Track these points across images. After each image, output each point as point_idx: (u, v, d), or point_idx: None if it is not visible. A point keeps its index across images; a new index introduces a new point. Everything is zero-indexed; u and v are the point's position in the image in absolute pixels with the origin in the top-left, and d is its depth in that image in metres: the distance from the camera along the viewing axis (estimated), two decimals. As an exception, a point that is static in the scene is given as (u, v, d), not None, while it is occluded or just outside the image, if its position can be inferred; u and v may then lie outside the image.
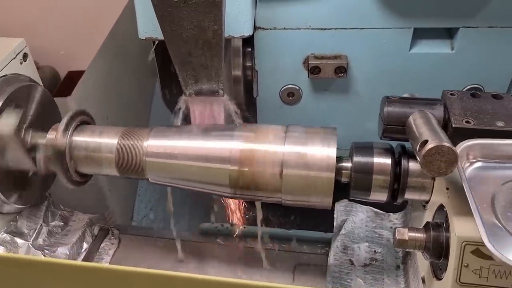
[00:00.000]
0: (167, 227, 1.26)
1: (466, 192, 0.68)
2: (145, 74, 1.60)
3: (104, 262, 1.03)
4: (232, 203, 1.13)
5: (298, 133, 0.83)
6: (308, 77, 1.09)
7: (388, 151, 0.81)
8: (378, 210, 1.04)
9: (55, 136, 0.88)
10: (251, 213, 1.16)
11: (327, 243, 1.03)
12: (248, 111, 1.16)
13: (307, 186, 0.80)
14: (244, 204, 1.14)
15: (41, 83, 1.02)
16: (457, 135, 0.75)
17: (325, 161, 0.79)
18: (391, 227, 1.01)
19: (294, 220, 1.21)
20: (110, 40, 1.35)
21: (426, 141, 0.69)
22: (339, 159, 0.82)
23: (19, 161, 0.93)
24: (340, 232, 1.00)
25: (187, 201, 1.37)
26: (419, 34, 1.06)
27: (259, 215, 0.94)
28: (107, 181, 1.30)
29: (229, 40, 1.00)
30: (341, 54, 1.08)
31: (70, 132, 0.89)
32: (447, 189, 0.76)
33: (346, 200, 1.05)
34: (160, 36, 0.85)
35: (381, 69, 1.09)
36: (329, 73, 1.08)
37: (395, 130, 0.81)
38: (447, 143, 0.68)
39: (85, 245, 1.04)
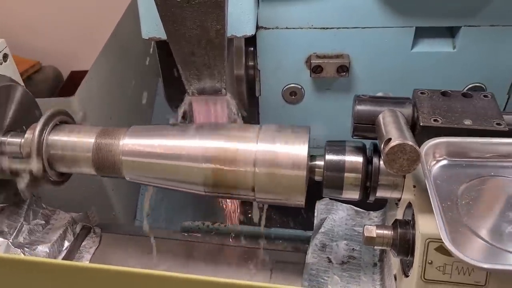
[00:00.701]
0: (159, 226, 1.26)
1: (428, 189, 0.69)
2: (148, 74, 1.60)
3: (85, 260, 1.04)
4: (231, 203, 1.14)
5: (271, 132, 0.84)
6: (310, 76, 1.10)
7: (360, 149, 0.82)
8: (358, 209, 1.04)
9: (32, 135, 0.89)
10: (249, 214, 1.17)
11: (307, 241, 1.03)
12: (251, 110, 1.17)
13: (279, 184, 0.81)
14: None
15: (22, 84, 1.02)
16: (425, 133, 0.76)
17: (296, 160, 0.80)
18: (365, 225, 1.02)
19: (275, 218, 1.22)
20: (113, 40, 1.36)
21: (389, 139, 0.70)
22: (312, 157, 0.83)
23: (0, 160, 0.94)
24: (320, 230, 1.01)
25: (190, 201, 1.37)
26: (421, 33, 1.07)
27: (236, 214, 0.96)
28: (111, 180, 1.31)
29: (232, 39, 1.01)
30: (343, 53, 1.08)
31: (47, 131, 0.90)
32: (414, 187, 0.77)
33: (327, 198, 1.06)
34: (163, 36, 0.86)
35: (383, 68, 1.10)
36: (331, 72, 1.08)
37: (365, 128, 0.82)
38: (409, 142, 0.69)
39: (66, 244, 1.05)
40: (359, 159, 0.81)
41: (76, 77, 1.91)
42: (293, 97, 1.16)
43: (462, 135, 0.75)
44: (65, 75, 2.05)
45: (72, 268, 0.69)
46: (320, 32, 1.07)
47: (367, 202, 0.86)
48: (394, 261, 0.87)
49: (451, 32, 1.09)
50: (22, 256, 0.94)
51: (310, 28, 1.07)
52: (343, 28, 1.06)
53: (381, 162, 0.79)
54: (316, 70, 1.08)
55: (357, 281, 0.93)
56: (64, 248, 1.04)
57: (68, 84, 2.00)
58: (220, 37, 0.80)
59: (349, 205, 1.04)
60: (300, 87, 1.14)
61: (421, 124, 0.77)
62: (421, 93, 0.82)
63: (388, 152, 0.69)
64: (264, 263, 1.02)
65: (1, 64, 0.98)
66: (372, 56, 1.09)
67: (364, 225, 0.81)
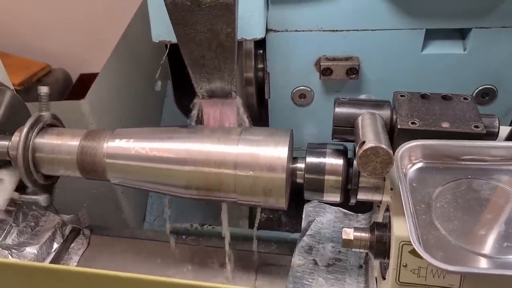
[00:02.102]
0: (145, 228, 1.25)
1: (401, 192, 0.69)
2: (157, 76, 1.61)
3: (73, 262, 1.04)
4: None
5: (252, 135, 0.84)
6: (319, 78, 1.10)
7: (341, 152, 0.82)
8: (347, 211, 1.04)
9: (18, 138, 0.89)
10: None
11: (293, 243, 1.03)
12: (260, 113, 1.17)
13: (260, 186, 0.81)
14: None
15: (12, 87, 1.03)
16: (403, 136, 0.76)
17: (276, 162, 0.80)
18: (344, 227, 1.02)
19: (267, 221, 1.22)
20: (123, 43, 1.37)
21: (363, 142, 0.70)
22: (294, 160, 0.84)
23: None
24: (307, 233, 1.01)
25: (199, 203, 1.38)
26: (431, 35, 1.07)
27: (225, 216, 0.96)
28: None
29: (241, 42, 1.02)
30: (353, 55, 1.09)
31: (33, 134, 0.90)
32: (391, 189, 0.77)
33: (316, 201, 1.06)
34: (174, 39, 0.87)
35: (393, 70, 1.10)
36: (340, 75, 1.08)
37: (344, 131, 0.81)
38: (383, 145, 0.69)
39: (55, 245, 1.06)
40: (339, 161, 0.81)
41: (86, 80, 1.93)
42: (302, 99, 1.16)
43: (439, 138, 0.75)
44: (74, 77, 2.07)
45: (54, 271, 0.69)
46: (329, 35, 1.07)
47: (357, 205, 0.85)
48: (376, 264, 0.87)
49: (461, 34, 1.09)
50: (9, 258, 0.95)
51: (319, 30, 1.07)
52: (352, 30, 1.06)
53: None
54: (325, 72, 1.09)
55: (342, 283, 0.93)
56: (53, 250, 1.05)
57: (78, 87, 2.02)
58: (230, 40, 0.80)
59: (338, 208, 1.04)
60: (309, 89, 1.15)
61: (398, 127, 0.76)
62: (401, 95, 0.82)
63: (362, 155, 0.69)
64: (249, 265, 1.02)
65: None
66: (381, 59, 1.09)
67: (343, 228, 0.80)
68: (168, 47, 1.05)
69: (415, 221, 0.66)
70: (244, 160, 0.82)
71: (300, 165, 0.83)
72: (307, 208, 1.05)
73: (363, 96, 0.88)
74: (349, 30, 1.06)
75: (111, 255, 1.07)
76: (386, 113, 0.80)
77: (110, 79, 1.31)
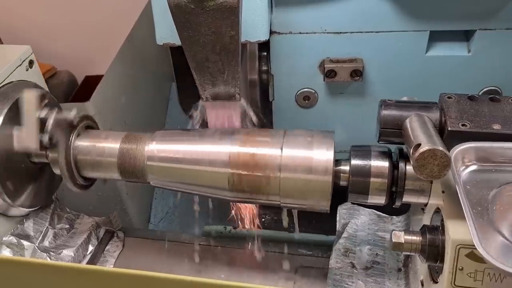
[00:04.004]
0: (175, 230, 1.26)
1: (459, 195, 0.68)
2: (161, 78, 1.62)
3: (109, 265, 1.04)
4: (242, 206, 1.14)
5: (296, 137, 0.84)
6: (323, 80, 1.10)
7: (386, 154, 0.81)
8: (381, 213, 1.04)
9: (60, 140, 0.89)
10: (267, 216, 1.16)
11: (330, 246, 1.03)
12: (264, 115, 1.17)
13: (305, 189, 0.81)
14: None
15: (47, 89, 1.03)
16: (453, 138, 0.75)
17: (322, 165, 0.80)
18: (393, 230, 1.02)
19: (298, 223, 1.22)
20: (127, 45, 1.37)
21: (419, 145, 0.70)
22: (337, 162, 0.83)
23: (26, 165, 0.95)
24: (342, 235, 1.00)
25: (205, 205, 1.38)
26: (436, 37, 1.06)
27: (257, 218, 0.96)
28: (125, 184, 1.32)
29: (245, 44, 1.02)
30: (357, 57, 1.08)
31: (74, 136, 0.90)
32: (443, 192, 0.76)
33: (349, 203, 1.04)
34: (178, 42, 0.87)
35: (397, 72, 1.10)
36: (344, 77, 1.08)
37: (392, 133, 0.81)
38: (440, 147, 0.68)
39: (90, 248, 1.05)
40: (385, 164, 0.80)
41: (91, 82, 1.93)
42: (306, 101, 1.16)
43: (491, 140, 0.74)
44: (79, 79, 2.07)
45: (96, 272, 0.70)
46: (333, 37, 1.07)
47: (388, 207, 0.85)
48: (420, 267, 0.86)
49: (466, 36, 1.08)
50: (49, 261, 0.95)
51: (323, 32, 1.07)
52: (356, 32, 1.06)
53: (408, 167, 0.79)
54: (329, 74, 1.08)
55: (382, 286, 0.92)
56: (89, 252, 1.05)
57: (83, 89, 2.02)
58: (234, 42, 0.80)
59: (371, 210, 1.03)
60: (313, 91, 1.15)
61: (449, 129, 0.76)
62: (448, 97, 0.81)
63: (418, 157, 0.68)
64: (287, 268, 1.02)
65: (27, 70, 0.99)
66: (386, 60, 1.09)
67: (392, 231, 0.79)
68: (170, 49, 1.05)
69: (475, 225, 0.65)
70: (289, 163, 0.81)
71: (344, 167, 0.82)
72: (341, 211, 1.04)
73: (404, 98, 0.86)
74: (353, 32, 1.06)
75: (147, 257, 1.07)
76: (434, 115, 0.79)
77: (115, 81, 1.31)
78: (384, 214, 1.04)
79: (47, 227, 1.03)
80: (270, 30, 1.05)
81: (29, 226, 1.00)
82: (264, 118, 1.17)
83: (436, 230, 0.77)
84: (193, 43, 0.81)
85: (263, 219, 1.27)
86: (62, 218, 1.07)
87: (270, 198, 0.84)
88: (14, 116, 0.91)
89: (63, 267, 0.73)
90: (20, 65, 0.97)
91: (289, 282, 1.00)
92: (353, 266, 0.95)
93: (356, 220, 1.02)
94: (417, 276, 0.88)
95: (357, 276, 0.93)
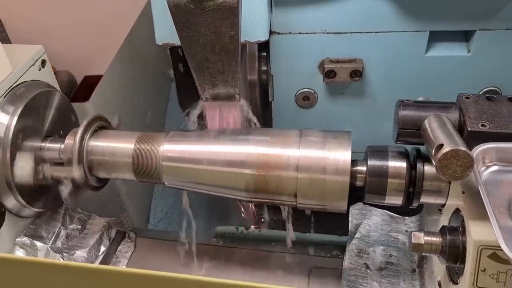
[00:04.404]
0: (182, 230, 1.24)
1: (482, 196, 0.68)
2: (161, 78, 1.62)
3: (121, 265, 1.03)
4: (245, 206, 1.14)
5: (313, 137, 0.83)
6: (323, 81, 1.10)
7: (403, 155, 0.81)
8: (393, 214, 1.03)
9: (73, 141, 0.89)
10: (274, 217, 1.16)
11: (342, 247, 1.03)
12: (264, 115, 1.17)
13: (322, 190, 0.81)
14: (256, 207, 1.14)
15: (59, 89, 1.03)
16: (473, 139, 0.75)
17: (340, 165, 0.79)
18: (406, 231, 1.01)
19: (309, 223, 1.22)
20: (127, 45, 1.36)
21: (441, 145, 0.69)
22: (354, 162, 0.82)
23: (39, 166, 0.95)
24: (355, 236, 1.00)
25: (203, 204, 1.38)
26: (435, 37, 1.06)
27: (267, 218, 0.96)
28: (124, 184, 1.32)
29: (245, 45, 1.01)
30: (357, 58, 1.08)
31: (87, 137, 0.90)
32: (463, 192, 0.75)
33: (361, 203, 1.04)
34: (177, 42, 0.87)
35: (396, 72, 1.10)
36: (344, 77, 1.08)
37: (410, 134, 0.80)
38: (463, 147, 0.68)
39: (102, 248, 1.05)
40: (402, 164, 0.80)
41: (90, 82, 1.93)
42: (306, 101, 1.16)
43: (510, 140, 0.74)
44: (79, 79, 2.07)
45: (116, 273, 0.69)
46: (333, 37, 1.07)
47: (398, 207, 0.85)
48: (437, 268, 0.86)
49: (465, 36, 1.08)
50: (62, 261, 0.94)
51: (323, 33, 1.06)
52: (356, 32, 1.06)
53: (426, 168, 0.79)
54: (329, 75, 1.08)
55: (396, 287, 0.92)
56: (100, 253, 1.04)
57: (82, 89, 2.02)
58: (234, 43, 0.80)
59: (384, 210, 1.03)
60: (313, 91, 1.14)
61: (468, 129, 0.76)
62: (466, 97, 0.81)
63: (441, 158, 0.68)
64: (300, 269, 1.01)
65: (39, 70, 0.99)
66: (385, 61, 1.09)
67: (411, 232, 0.79)
68: (169, 50, 1.05)
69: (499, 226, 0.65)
70: (307, 163, 0.81)
71: (361, 167, 0.82)
72: (353, 211, 1.04)
73: (420, 98, 0.86)
74: (352, 33, 1.06)
75: (160, 258, 1.06)
76: (453, 115, 0.79)
77: (115, 81, 1.31)
78: (396, 215, 1.03)
79: (60, 227, 1.02)
80: (270, 30, 1.05)
81: (41, 227, 1.00)
82: (264, 118, 1.17)
83: (456, 231, 0.76)
84: (193, 43, 0.81)
85: (262, 219, 1.26)
86: (74, 218, 1.06)
87: (287, 198, 0.83)
88: (28, 116, 0.91)
89: (80, 268, 0.72)
90: (33, 64, 0.97)
91: (303, 283, 0.99)
92: (367, 267, 0.95)
93: (368, 221, 1.02)
94: (433, 276, 0.87)
95: (371, 277, 0.93)
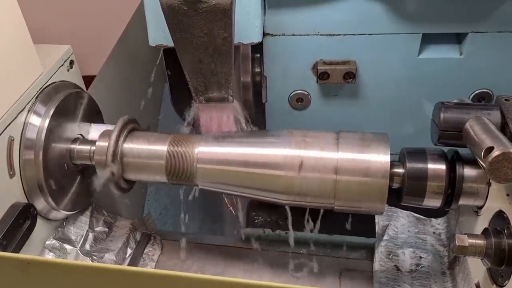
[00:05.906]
0: (207, 233, 1.25)
1: None
2: (154, 79, 1.61)
3: (149, 268, 1.02)
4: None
5: (350, 139, 0.83)
6: (317, 82, 1.10)
7: (442, 157, 0.81)
8: (419, 216, 1.03)
9: (108, 143, 0.88)
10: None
11: (370, 249, 1.03)
12: (257, 117, 1.17)
13: (361, 192, 0.80)
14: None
15: (85, 89, 1.02)
16: None
17: (380, 167, 0.79)
18: (433, 233, 1.01)
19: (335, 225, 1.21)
20: (120, 45, 1.35)
21: (491, 148, 0.68)
22: (391, 164, 0.82)
23: (69, 168, 0.94)
24: (383, 238, 0.99)
25: (199, 205, 1.38)
26: (428, 39, 1.06)
27: (290, 220, 0.95)
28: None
29: (238, 46, 1.01)
30: (350, 59, 1.08)
31: (122, 139, 0.89)
32: (508, 195, 0.75)
33: (386, 205, 1.05)
34: (170, 43, 0.86)
35: (389, 74, 1.10)
36: (338, 79, 1.08)
37: (451, 136, 0.80)
38: None
39: (129, 251, 1.04)
40: (442, 166, 0.80)
41: (84, 82, 1.93)
42: (299, 103, 1.15)
43: None
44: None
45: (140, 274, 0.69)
46: (326, 39, 1.06)
47: (421, 209, 0.85)
48: (474, 270, 0.85)
49: (458, 39, 1.09)
50: (95, 263, 0.93)
51: (316, 34, 1.06)
52: (349, 34, 1.06)
53: (465, 170, 0.79)
54: (322, 76, 1.08)
55: None
56: (127, 255, 1.03)
57: (75, 89, 2.02)
58: (227, 44, 0.80)
59: (409, 212, 1.03)
60: (306, 93, 1.14)
61: (511, 131, 0.75)
62: (506, 99, 0.81)
63: (492, 161, 0.67)
64: (331, 271, 1.01)
65: (68, 70, 0.98)
66: (379, 63, 1.08)
67: (455, 234, 0.78)
68: (163, 51, 1.05)
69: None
70: (346, 165, 0.80)
71: (398, 170, 0.82)
72: None
73: (456, 100, 0.86)
74: (346, 35, 1.06)
75: (187, 261, 1.06)
76: (495, 117, 0.78)
77: (108, 81, 1.30)
78: (422, 217, 1.03)
79: (87, 230, 1.01)
80: (263, 32, 1.04)
81: (70, 230, 0.99)
82: (257, 120, 1.16)
83: (500, 233, 0.76)
84: (186, 44, 0.81)
85: (256, 221, 1.26)
86: (100, 221, 1.05)
87: (325, 201, 0.83)
88: (59, 117, 0.90)
89: (115, 270, 0.71)
90: (62, 65, 0.96)
91: (334, 285, 0.99)
92: (398, 269, 0.95)
93: (395, 223, 1.01)
94: (469, 278, 0.86)
95: (403, 279, 0.93)
